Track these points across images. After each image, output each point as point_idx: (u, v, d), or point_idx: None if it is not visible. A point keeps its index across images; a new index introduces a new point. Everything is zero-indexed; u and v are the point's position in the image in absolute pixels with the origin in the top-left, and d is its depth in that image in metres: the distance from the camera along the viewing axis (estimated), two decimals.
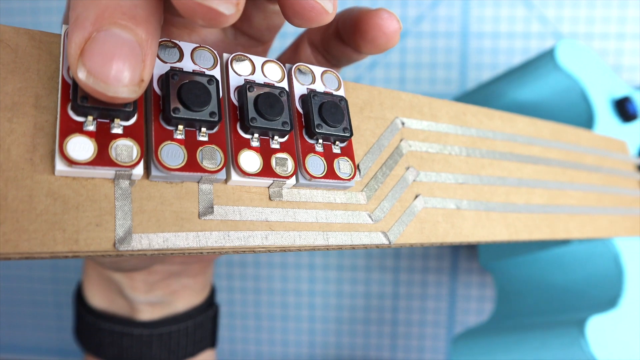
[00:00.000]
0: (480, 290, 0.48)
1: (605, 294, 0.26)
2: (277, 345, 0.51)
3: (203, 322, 0.31)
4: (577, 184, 0.25)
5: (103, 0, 0.12)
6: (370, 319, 0.50)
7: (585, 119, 0.29)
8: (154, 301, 0.29)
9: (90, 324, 0.29)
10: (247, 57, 0.17)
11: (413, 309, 0.49)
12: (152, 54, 0.13)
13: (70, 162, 0.13)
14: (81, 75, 0.12)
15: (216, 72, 0.16)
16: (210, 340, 0.32)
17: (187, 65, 0.16)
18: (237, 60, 0.17)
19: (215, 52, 0.16)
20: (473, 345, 0.30)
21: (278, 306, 0.50)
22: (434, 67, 0.46)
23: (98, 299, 0.29)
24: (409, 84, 0.46)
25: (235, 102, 0.16)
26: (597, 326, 0.24)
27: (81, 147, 0.13)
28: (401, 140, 0.20)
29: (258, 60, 0.17)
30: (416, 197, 0.19)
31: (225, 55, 0.17)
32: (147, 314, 0.29)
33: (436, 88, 0.46)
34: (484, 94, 0.33)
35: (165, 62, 0.16)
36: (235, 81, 0.16)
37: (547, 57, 0.29)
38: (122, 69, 0.12)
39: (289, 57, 0.22)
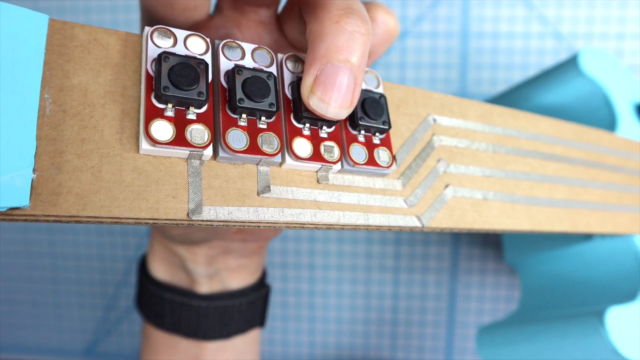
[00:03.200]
0: (480, 290, 0.48)
1: (625, 288, 0.28)
2: (277, 345, 0.51)
3: (255, 300, 0.32)
4: (599, 182, 0.27)
5: (330, 47, 0.16)
6: (370, 319, 0.50)
7: (608, 123, 0.30)
8: (213, 276, 0.31)
9: (153, 294, 0.31)
10: (298, 56, 0.19)
11: (413, 309, 0.49)
12: (361, 81, 0.17)
13: (154, 141, 0.15)
14: (312, 102, 0.17)
15: (273, 69, 0.18)
16: (260, 319, 0.33)
17: (248, 62, 0.18)
18: (290, 60, 0.19)
19: (272, 52, 0.19)
20: (496, 336, 0.31)
21: (278, 306, 0.50)
22: (434, 67, 0.45)
23: (161, 271, 0.32)
24: (409, 84, 0.45)
25: (289, 96, 0.18)
26: (616, 316, 0.25)
27: (163, 129, 0.16)
28: (433, 135, 0.22)
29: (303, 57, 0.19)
30: (446, 186, 0.21)
31: (279, 55, 0.19)
32: (205, 287, 0.31)
33: (436, 88, 0.45)
34: (510, 98, 0.35)
35: (230, 60, 0.18)
36: (288, 77, 0.19)
37: (571, 63, 0.30)
38: (339, 96, 0.17)
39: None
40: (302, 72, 0.19)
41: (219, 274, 0.31)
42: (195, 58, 0.17)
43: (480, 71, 0.45)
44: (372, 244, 0.48)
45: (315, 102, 0.17)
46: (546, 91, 0.32)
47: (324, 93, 0.17)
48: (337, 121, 0.18)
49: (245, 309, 0.32)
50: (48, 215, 0.14)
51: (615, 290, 0.28)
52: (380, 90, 0.20)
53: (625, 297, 0.27)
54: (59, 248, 0.51)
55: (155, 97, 0.16)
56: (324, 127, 0.18)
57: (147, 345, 0.33)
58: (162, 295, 0.31)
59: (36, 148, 0.14)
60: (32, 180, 0.14)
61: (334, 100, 0.17)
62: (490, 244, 0.47)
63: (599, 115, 0.30)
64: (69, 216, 0.14)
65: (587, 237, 0.30)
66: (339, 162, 0.18)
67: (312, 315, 0.50)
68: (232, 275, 0.32)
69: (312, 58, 0.17)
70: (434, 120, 0.22)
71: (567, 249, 0.31)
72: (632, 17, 0.43)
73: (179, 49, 0.17)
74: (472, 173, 0.22)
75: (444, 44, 0.45)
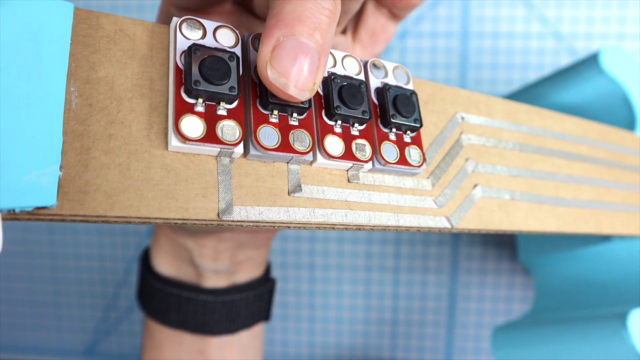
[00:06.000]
0: (480, 290, 0.47)
1: None
2: (277, 345, 0.50)
3: (262, 294, 0.32)
4: (622, 183, 0.26)
5: (293, 13, 0.14)
6: (370, 319, 0.49)
7: (627, 122, 0.29)
8: (220, 269, 0.30)
9: (158, 289, 0.30)
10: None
11: (413, 309, 0.48)
12: (325, 61, 0.15)
13: (185, 138, 0.15)
14: (269, 74, 0.14)
15: None
16: (265, 313, 0.33)
17: None
18: None
19: None
20: (512, 337, 0.31)
21: (278, 306, 0.49)
22: (434, 67, 0.45)
23: (166, 266, 0.31)
24: None
25: (321, 92, 0.18)
26: (639, 319, 0.25)
27: (193, 125, 0.15)
28: (461, 133, 0.21)
29: (339, 54, 0.19)
30: (475, 186, 0.21)
31: None
32: (212, 281, 0.30)
33: None
34: (528, 96, 0.34)
35: None
36: None
37: (591, 62, 0.30)
38: (301, 71, 0.14)
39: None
40: (333, 66, 0.18)
41: (226, 268, 0.30)
42: (226, 51, 0.16)
43: (480, 71, 0.45)
44: (372, 244, 0.48)
45: (274, 76, 0.15)
46: (564, 89, 0.31)
47: (285, 68, 0.14)
48: (369, 118, 0.17)
49: (252, 303, 0.31)
50: (75, 215, 0.13)
51: (635, 293, 0.27)
52: (410, 86, 0.19)
53: None
54: (59, 248, 0.50)
55: (185, 92, 0.15)
56: (356, 125, 0.18)
57: (150, 342, 0.32)
58: (167, 290, 0.30)
59: (62, 144, 0.13)
60: (59, 178, 0.13)
61: (293, 77, 0.14)
62: (490, 244, 0.47)
63: (618, 114, 0.30)
64: (97, 216, 0.13)
65: (606, 238, 0.30)
66: (370, 161, 0.18)
67: (312, 315, 0.49)
68: (239, 268, 0.31)
69: (274, 23, 0.14)
70: (462, 118, 0.21)
71: (585, 249, 0.31)
72: (632, 17, 0.43)
73: (209, 41, 0.16)
74: (499, 173, 0.22)
75: (444, 44, 0.45)
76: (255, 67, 0.17)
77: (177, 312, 0.30)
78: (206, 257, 0.29)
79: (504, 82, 0.45)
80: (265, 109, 0.16)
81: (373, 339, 0.49)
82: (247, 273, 0.31)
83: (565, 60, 0.44)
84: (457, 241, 0.47)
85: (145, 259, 0.32)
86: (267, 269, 0.34)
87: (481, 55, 0.45)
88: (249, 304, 0.31)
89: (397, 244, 0.47)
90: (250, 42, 0.17)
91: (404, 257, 0.48)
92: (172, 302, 0.30)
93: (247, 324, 0.31)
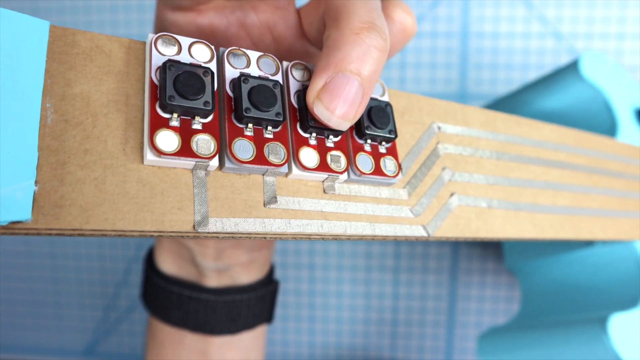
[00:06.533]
0: (480, 290, 0.47)
1: (627, 294, 0.27)
2: (277, 345, 0.50)
3: (264, 295, 0.32)
4: (601, 189, 0.26)
5: (344, 53, 0.16)
6: (370, 319, 0.49)
7: (608, 128, 0.30)
8: (221, 269, 0.30)
9: (160, 287, 0.30)
10: (304, 64, 0.19)
11: (413, 309, 0.48)
12: (368, 96, 0.17)
13: (160, 152, 0.15)
14: (316, 106, 0.17)
15: (279, 77, 0.18)
16: (267, 315, 0.33)
17: (254, 70, 0.18)
18: (295, 68, 0.19)
19: (277, 60, 0.18)
20: (497, 343, 0.31)
21: (278, 306, 0.49)
22: (434, 67, 0.45)
23: (168, 264, 0.31)
24: (409, 84, 0.46)
25: (295, 105, 0.18)
26: (619, 323, 0.25)
27: (168, 140, 0.15)
28: (437, 143, 0.21)
29: (312, 67, 0.19)
30: (452, 195, 0.21)
31: (285, 63, 0.19)
32: (213, 281, 0.30)
33: (436, 88, 0.45)
34: (511, 103, 0.34)
35: (236, 68, 0.17)
36: (294, 85, 0.18)
37: (571, 69, 0.30)
38: (344, 106, 0.16)
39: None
40: (308, 80, 0.19)
41: (228, 268, 0.30)
42: (200, 66, 0.16)
43: (480, 71, 0.45)
44: (372, 244, 0.48)
45: (320, 109, 0.17)
46: (546, 96, 0.31)
47: (329, 101, 0.16)
48: (344, 130, 0.18)
49: (254, 304, 0.31)
50: (51, 229, 0.14)
51: (617, 297, 0.28)
52: (385, 98, 0.20)
53: (627, 303, 0.27)
54: (59, 248, 0.50)
55: (160, 107, 0.15)
56: (331, 137, 0.18)
57: (152, 341, 0.32)
58: (169, 288, 0.30)
59: (38, 159, 0.14)
60: (34, 192, 0.13)
61: (338, 109, 0.16)
62: (490, 244, 0.47)
63: (600, 120, 0.30)
64: (72, 229, 0.14)
65: (589, 242, 0.30)
66: (346, 172, 0.18)
67: (312, 315, 0.49)
68: (241, 269, 0.31)
69: (325, 64, 0.16)
70: (439, 127, 0.21)
71: (569, 254, 0.31)
72: (632, 17, 0.43)
73: (184, 57, 0.16)
74: (476, 181, 0.22)
75: (444, 44, 0.45)
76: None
77: (178, 310, 0.30)
78: (208, 256, 0.30)
79: (504, 82, 0.45)
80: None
81: (373, 339, 0.50)
82: (249, 274, 0.31)
83: (565, 60, 0.44)
84: (457, 241, 0.47)
85: (150, 257, 0.32)
86: (271, 271, 0.34)
87: (481, 55, 0.45)
88: (251, 305, 0.31)
89: (397, 244, 0.48)
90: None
91: (404, 257, 0.48)
92: (174, 300, 0.30)
93: (248, 324, 0.31)
